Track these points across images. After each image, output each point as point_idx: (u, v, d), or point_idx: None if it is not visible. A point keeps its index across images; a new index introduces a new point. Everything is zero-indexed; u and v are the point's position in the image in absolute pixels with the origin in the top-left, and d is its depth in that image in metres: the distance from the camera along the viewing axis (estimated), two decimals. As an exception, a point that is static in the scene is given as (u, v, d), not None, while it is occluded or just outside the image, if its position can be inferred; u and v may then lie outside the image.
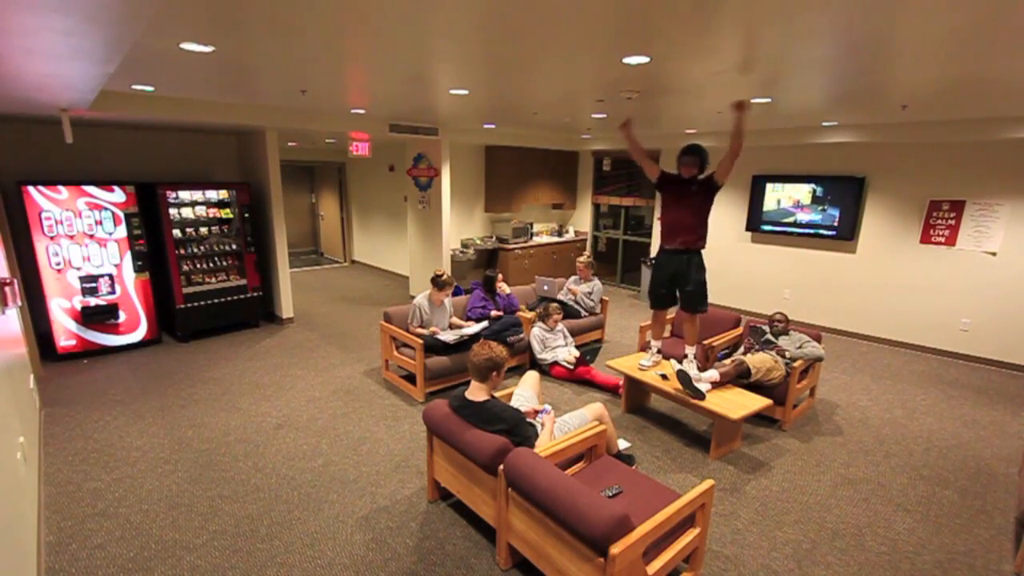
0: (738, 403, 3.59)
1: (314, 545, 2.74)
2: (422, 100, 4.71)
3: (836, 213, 6.38)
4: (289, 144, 9.07)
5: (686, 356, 3.96)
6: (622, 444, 3.42)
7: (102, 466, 3.41)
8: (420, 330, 4.59)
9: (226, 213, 6.05)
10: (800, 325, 4.98)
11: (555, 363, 4.99)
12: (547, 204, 9.36)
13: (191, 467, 3.42)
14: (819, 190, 6.47)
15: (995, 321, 5.57)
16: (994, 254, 5.49)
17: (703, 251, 3.84)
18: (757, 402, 3.62)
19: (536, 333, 5.12)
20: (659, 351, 4.24)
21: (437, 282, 4.67)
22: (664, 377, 3.96)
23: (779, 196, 6.84)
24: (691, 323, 3.97)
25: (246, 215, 6.10)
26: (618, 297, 8.47)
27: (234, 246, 6.11)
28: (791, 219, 6.78)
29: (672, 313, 4.30)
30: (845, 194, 6.27)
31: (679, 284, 3.89)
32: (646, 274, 8.09)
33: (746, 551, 2.77)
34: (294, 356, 5.46)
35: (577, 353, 5.04)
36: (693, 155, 3.69)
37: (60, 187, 4.91)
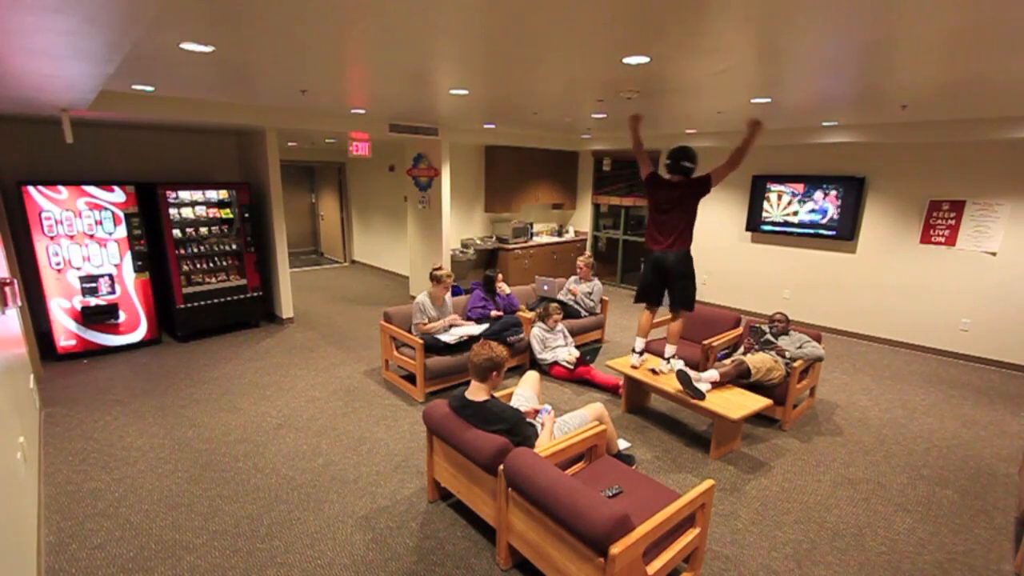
0: (738, 403, 3.59)
1: (314, 545, 2.74)
2: (422, 100, 4.71)
3: (836, 213, 6.38)
4: (289, 144, 9.07)
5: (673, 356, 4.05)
6: (622, 444, 3.42)
7: (102, 466, 3.41)
8: (433, 325, 4.58)
9: (226, 213, 6.05)
10: (800, 325, 4.98)
11: (555, 363, 4.99)
12: (547, 204, 9.36)
13: (191, 467, 3.42)
14: (818, 190, 6.48)
15: (995, 321, 5.57)
16: (994, 254, 5.49)
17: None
18: (757, 402, 3.62)
19: (536, 333, 5.12)
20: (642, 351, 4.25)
21: (435, 277, 4.69)
22: (654, 372, 4.02)
23: (778, 195, 6.85)
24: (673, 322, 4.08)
25: (246, 215, 6.10)
26: (618, 297, 8.47)
27: (234, 246, 6.11)
28: (791, 219, 6.78)
29: (662, 315, 4.33)
30: (845, 194, 6.27)
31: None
32: (646, 274, 8.10)
33: (746, 551, 2.77)
34: (294, 356, 5.46)
35: (577, 353, 5.04)
36: (675, 170, 3.79)
37: (60, 187, 4.91)
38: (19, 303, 3.69)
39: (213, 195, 5.94)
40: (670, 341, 4.07)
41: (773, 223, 6.97)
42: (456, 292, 5.73)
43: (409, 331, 4.62)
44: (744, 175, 7.09)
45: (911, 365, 5.67)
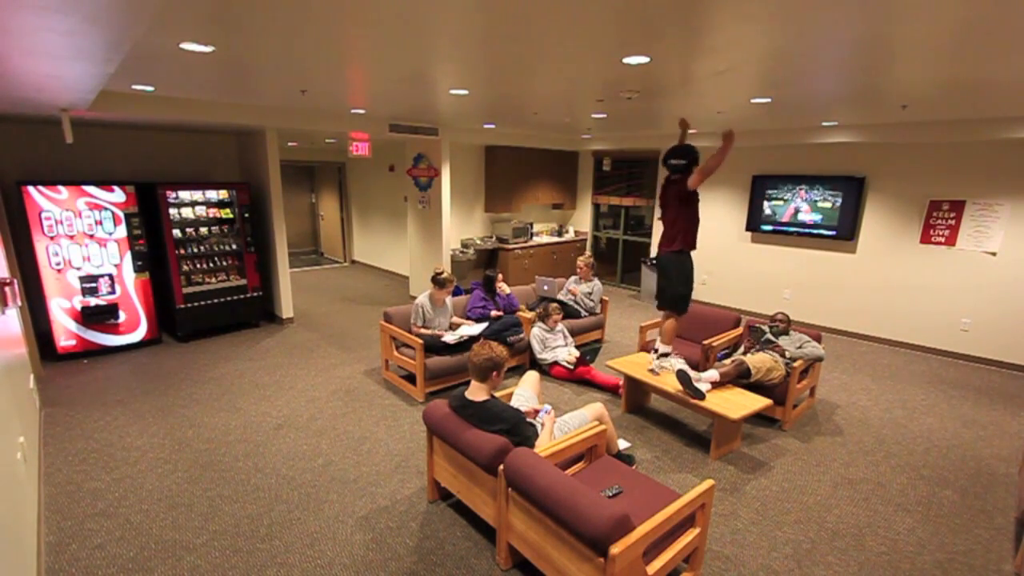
0: (738, 403, 3.59)
1: (314, 545, 2.74)
2: (422, 100, 4.71)
3: (836, 213, 6.38)
4: (289, 144, 9.08)
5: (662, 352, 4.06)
6: (622, 444, 3.42)
7: (102, 466, 3.41)
8: (424, 330, 4.58)
9: (226, 213, 6.05)
10: (800, 325, 4.98)
11: (555, 363, 4.99)
12: (547, 204, 9.36)
13: (191, 467, 3.42)
14: (818, 190, 6.48)
15: (995, 321, 5.57)
16: (994, 254, 5.49)
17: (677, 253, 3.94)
18: (757, 402, 3.62)
19: (536, 333, 5.12)
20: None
21: (437, 280, 4.66)
22: (653, 371, 4.03)
23: (779, 198, 6.84)
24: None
25: (246, 215, 6.10)
26: (618, 297, 8.47)
27: (234, 246, 6.10)
28: (791, 219, 6.78)
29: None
30: (845, 194, 6.27)
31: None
32: (646, 274, 8.10)
33: (746, 551, 2.77)
34: (294, 356, 5.46)
35: (577, 353, 5.04)
36: (668, 169, 3.88)
37: (60, 187, 4.91)
38: (19, 303, 3.69)
39: (213, 195, 5.93)
40: (663, 340, 4.07)
41: (773, 223, 6.97)
42: (456, 292, 5.73)
43: (409, 331, 4.62)
44: (744, 175, 7.10)
45: (911, 365, 5.67)
